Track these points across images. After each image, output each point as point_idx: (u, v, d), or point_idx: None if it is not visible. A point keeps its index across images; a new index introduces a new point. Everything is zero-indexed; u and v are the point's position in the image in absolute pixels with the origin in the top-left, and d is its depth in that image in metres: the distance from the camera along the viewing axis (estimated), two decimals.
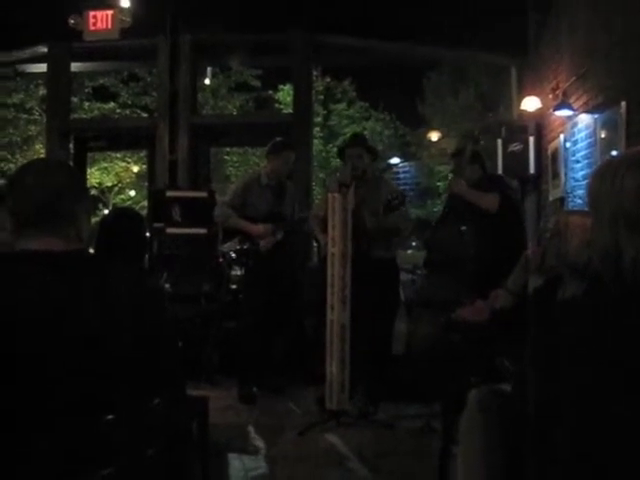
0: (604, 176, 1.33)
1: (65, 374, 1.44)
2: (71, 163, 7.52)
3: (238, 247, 5.41)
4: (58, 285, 1.51)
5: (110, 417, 1.46)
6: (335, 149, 20.82)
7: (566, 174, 5.95)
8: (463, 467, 2.47)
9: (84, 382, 1.46)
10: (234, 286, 6.24)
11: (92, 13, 7.22)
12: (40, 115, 14.19)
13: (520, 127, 7.03)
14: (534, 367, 1.27)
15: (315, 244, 7.23)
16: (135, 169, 18.13)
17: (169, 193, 6.51)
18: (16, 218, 1.59)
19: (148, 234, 5.66)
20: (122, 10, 7.28)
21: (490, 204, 4.57)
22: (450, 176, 5.03)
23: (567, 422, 1.19)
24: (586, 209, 1.45)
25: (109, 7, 7.25)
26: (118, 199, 19.45)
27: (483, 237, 4.61)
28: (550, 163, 6.40)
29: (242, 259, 5.45)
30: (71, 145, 8.01)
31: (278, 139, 5.47)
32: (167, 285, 5.65)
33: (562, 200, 6.00)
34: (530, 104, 6.57)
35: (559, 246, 2.54)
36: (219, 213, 5.48)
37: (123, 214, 3.69)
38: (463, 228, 4.74)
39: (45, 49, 7.77)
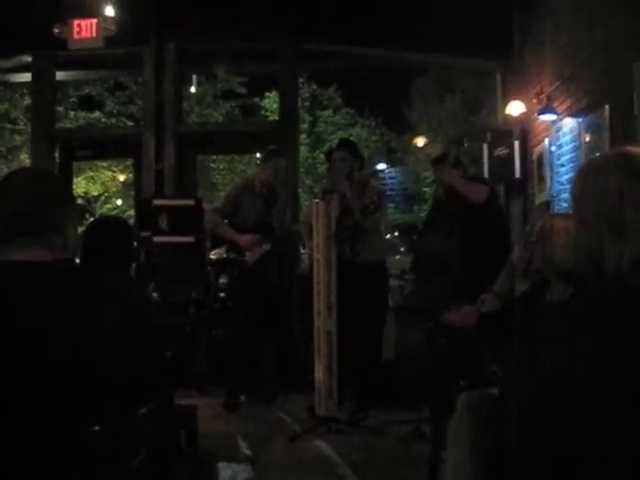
0: (587, 177, 1.32)
1: (51, 384, 1.43)
2: (57, 172, 7.48)
3: (225, 256, 5.41)
4: (44, 295, 1.50)
5: (96, 428, 1.45)
6: (322, 155, 20.89)
7: (551, 178, 5.99)
8: (452, 471, 2.47)
9: (69, 392, 1.45)
10: (222, 294, 6.22)
11: (76, 22, 7.18)
12: (25, 125, 14.09)
13: (505, 132, 7.06)
14: (520, 371, 1.27)
15: (303, 251, 7.24)
16: (121, 178, 18.05)
17: (156, 202, 6.49)
18: (0, 228, 1.58)
19: (135, 243, 5.65)
20: (106, 19, 7.26)
21: (478, 195, 4.56)
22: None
23: (553, 426, 1.19)
24: (571, 212, 1.45)
25: (93, 16, 7.23)
26: (105, 208, 19.36)
27: (468, 241, 4.62)
28: (535, 167, 6.44)
29: (229, 268, 5.45)
30: (57, 154, 7.96)
31: (270, 147, 5.56)
32: (155, 294, 5.62)
33: (548, 204, 6.03)
34: (515, 109, 6.61)
35: (545, 250, 2.55)
36: (209, 219, 5.55)
37: (109, 222, 3.67)
38: (449, 233, 4.75)
39: (29, 58, 7.72)
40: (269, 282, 5.35)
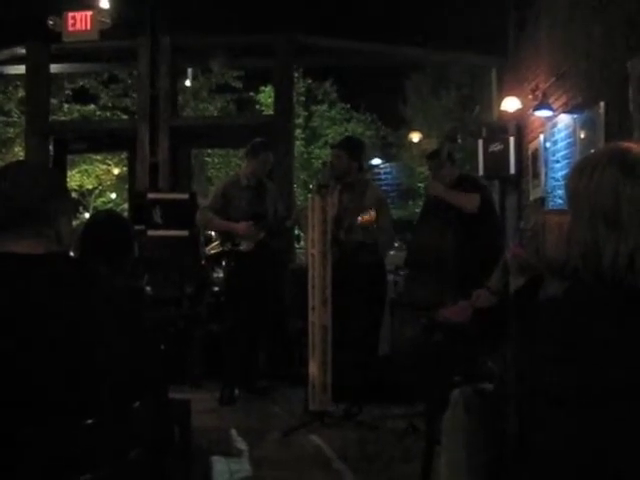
0: (583, 172, 1.32)
1: (44, 378, 1.43)
2: (51, 165, 7.46)
3: (220, 249, 5.40)
4: (38, 288, 1.49)
5: (90, 421, 1.45)
6: (317, 150, 20.89)
7: (546, 174, 5.99)
8: (446, 467, 2.47)
9: (63, 386, 1.44)
10: (217, 288, 6.22)
11: (71, 14, 7.14)
12: (19, 117, 14.03)
13: (500, 128, 7.07)
14: (514, 367, 1.27)
15: (297, 245, 7.21)
16: (116, 171, 18.01)
17: (150, 195, 6.48)
18: None
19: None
20: (101, 11, 7.23)
21: (470, 204, 4.57)
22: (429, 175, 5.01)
23: (547, 423, 1.19)
24: (565, 208, 1.45)
25: (88, 8, 7.19)
26: (99, 202, 19.32)
27: (463, 237, 4.62)
28: (530, 163, 6.45)
29: (225, 260, 5.43)
30: (51, 147, 7.94)
31: (257, 140, 5.47)
32: (148, 288, 5.61)
33: (542, 200, 6.04)
34: (510, 105, 6.61)
35: (537, 246, 2.55)
36: (200, 217, 5.47)
37: (110, 218, 3.64)
38: (443, 228, 4.75)
39: (23, 50, 7.69)
40: (264, 275, 5.34)
